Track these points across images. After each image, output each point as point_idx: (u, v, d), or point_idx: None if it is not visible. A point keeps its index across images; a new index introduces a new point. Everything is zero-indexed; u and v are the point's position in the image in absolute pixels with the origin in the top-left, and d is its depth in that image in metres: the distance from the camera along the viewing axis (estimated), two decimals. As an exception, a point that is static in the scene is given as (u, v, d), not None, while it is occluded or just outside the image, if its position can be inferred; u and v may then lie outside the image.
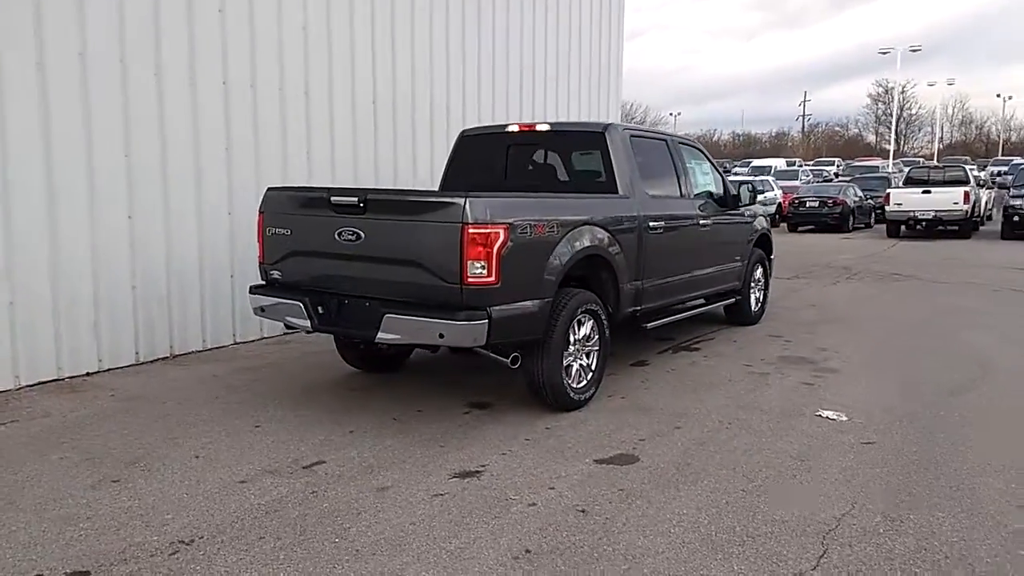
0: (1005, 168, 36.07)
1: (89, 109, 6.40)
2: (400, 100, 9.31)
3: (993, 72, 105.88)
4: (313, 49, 8.24)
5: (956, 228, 21.02)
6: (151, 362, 7.01)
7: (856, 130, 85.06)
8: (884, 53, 40.42)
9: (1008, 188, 21.78)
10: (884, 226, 22.34)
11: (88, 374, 6.55)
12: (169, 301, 7.16)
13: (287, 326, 5.70)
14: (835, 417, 5.47)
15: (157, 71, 6.88)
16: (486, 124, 8.86)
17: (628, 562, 3.48)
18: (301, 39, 8.11)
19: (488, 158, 6.99)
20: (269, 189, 5.75)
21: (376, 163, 9.07)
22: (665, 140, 7.12)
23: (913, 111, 78.91)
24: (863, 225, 25.27)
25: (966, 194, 20.67)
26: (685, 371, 6.80)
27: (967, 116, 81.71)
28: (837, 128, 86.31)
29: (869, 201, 25.72)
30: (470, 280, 4.73)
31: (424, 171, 9.63)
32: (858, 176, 31.63)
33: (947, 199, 20.73)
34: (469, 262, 4.70)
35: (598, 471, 4.53)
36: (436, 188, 9.45)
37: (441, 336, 4.79)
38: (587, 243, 5.52)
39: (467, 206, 4.69)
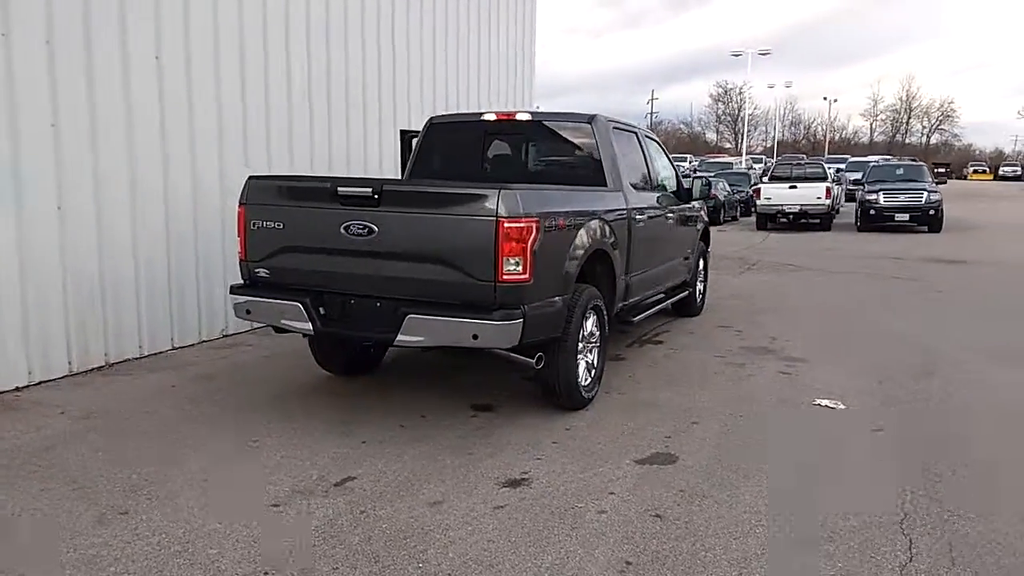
0: (842, 166, 39.01)
1: (11, 85, 5.57)
2: (335, 85, 8.79)
3: (819, 75, 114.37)
4: (248, 31, 7.60)
5: (818, 221, 22.50)
6: (86, 373, 6.22)
7: (699, 128, 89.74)
8: (736, 55, 42.95)
9: (863, 184, 23.54)
10: (752, 219, 23.58)
11: (19, 389, 5.73)
12: (103, 303, 6.38)
13: (277, 329, 5.20)
14: (833, 405, 5.63)
15: (87, 48, 6.09)
16: (453, 111, 8.47)
17: (737, 567, 3.39)
18: (236, 16, 7.45)
19: (461, 147, 6.70)
20: (252, 178, 5.21)
21: (312, 147, 8.50)
22: (635, 132, 7.09)
23: (750, 111, 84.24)
24: (731, 218, 26.58)
25: (828, 189, 22.19)
26: (664, 364, 6.82)
27: (796, 117, 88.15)
28: (681, 126, 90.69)
29: (735, 196, 27.09)
30: (505, 277, 4.48)
31: (357, 154, 9.15)
32: (718, 172, 33.26)
33: (811, 194, 22.17)
34: (504, 258, 4.45)
35: (646, 472, 4.41)
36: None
37: (475, 337, 4.50)
38: (597, 237, 5.39)
39: (500, 199, 4.43)
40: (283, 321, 5.02)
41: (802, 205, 22.13)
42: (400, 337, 4.65)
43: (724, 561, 3.44)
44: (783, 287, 11.59)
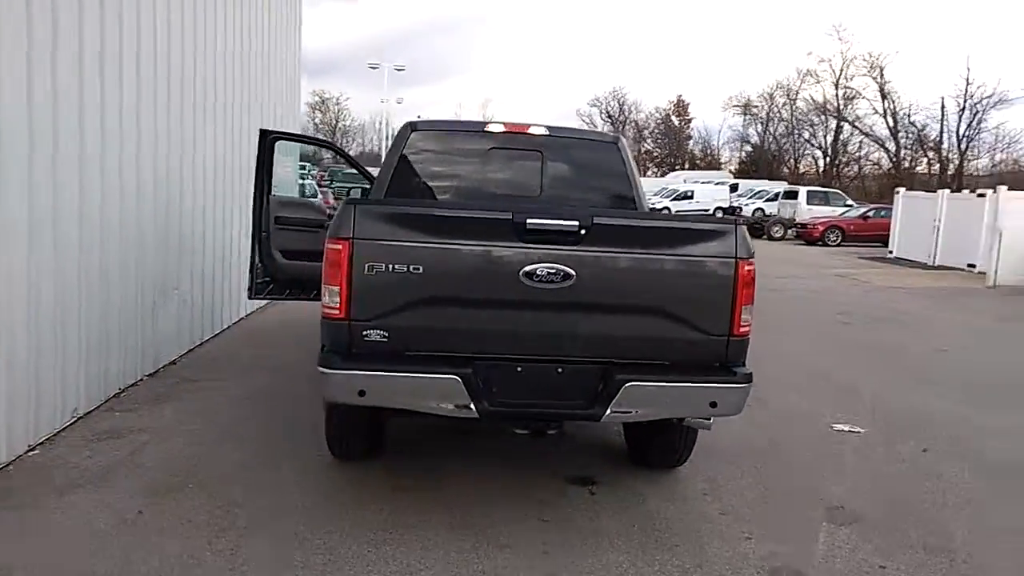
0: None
1: None
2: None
3: (410, 91, 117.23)
4: None
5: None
6: (-55, 510, 3.78)
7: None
8: (373, 68, 43.38)
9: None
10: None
11: None
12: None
13: (398, 411, 3.71)
14: (853, 430, 5.84)
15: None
16: (434, 119, 6.65)
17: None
18: None
19: (456, 163, 5.51)
20: (357, 204, 3.62)
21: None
22: None
23: (348, 123, 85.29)
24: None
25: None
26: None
27: (392, 131, 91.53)
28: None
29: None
30: (741, 330, 3.77)
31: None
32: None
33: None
34: (743, 307, 3.74)
35: (863, 532, 4.12)
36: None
37: (713, 405, 3.72)
38: None
39: (739, 237, 3.73)
40: (432, 403, 3.58)
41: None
42: (611, 412, 3.64)
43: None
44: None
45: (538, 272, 3.56)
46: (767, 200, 35.88)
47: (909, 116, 46.64)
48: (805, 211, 30.29)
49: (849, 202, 31.50)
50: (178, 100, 6.88)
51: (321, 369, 3.58)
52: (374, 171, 6.20)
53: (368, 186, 7.45)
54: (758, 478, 4.80)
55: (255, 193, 6.52)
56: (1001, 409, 6.63)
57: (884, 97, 47.64)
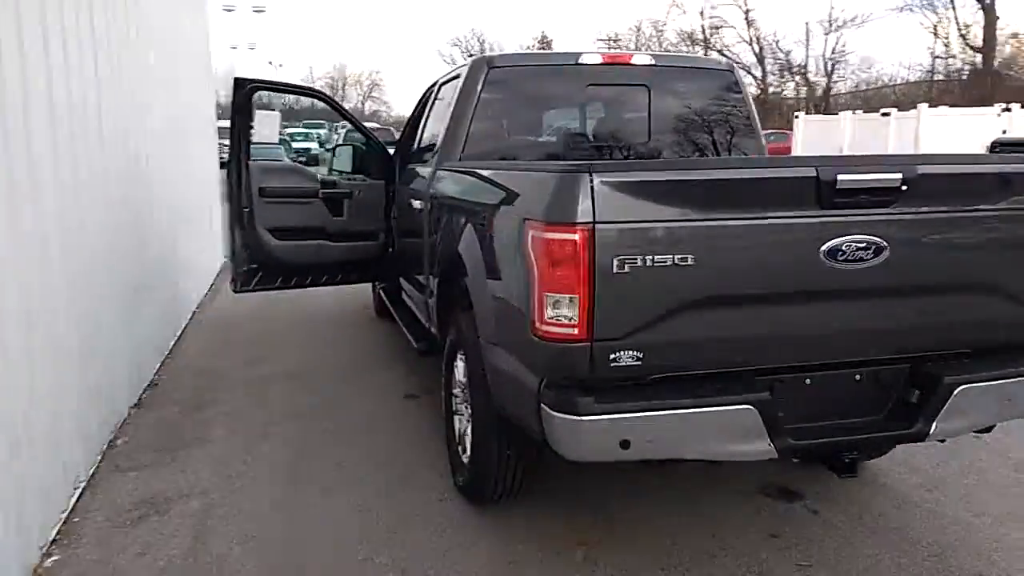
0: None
1: None
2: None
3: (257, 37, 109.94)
4: None
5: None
6: None
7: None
8: (229, 11, 39.79)
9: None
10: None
11: None
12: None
13: (662, 459, 2.63)
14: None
15: None
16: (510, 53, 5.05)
17: None
18: None
19: (548, 105, 4.39)
20: (594, 170, 2.40)
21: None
22: None
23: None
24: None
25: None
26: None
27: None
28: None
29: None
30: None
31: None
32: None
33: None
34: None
35: None
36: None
37: None
38: None
39: None
40: (717, 447, 2.53)
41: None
42: (940, 426, 2.71)
43: None
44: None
45: (844, 248, 2.54)
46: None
47: (777, 42, 47.81)
48: (700, 141, 30.32)
49: (740, 129, 31.77)
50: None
51: (560, 416, 2.45)
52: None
53: (363, 142, 6.21)
54: (946, 454, 4.04)
55: (231, 159, 5.24)
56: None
57: (749, 25, 48.54)
